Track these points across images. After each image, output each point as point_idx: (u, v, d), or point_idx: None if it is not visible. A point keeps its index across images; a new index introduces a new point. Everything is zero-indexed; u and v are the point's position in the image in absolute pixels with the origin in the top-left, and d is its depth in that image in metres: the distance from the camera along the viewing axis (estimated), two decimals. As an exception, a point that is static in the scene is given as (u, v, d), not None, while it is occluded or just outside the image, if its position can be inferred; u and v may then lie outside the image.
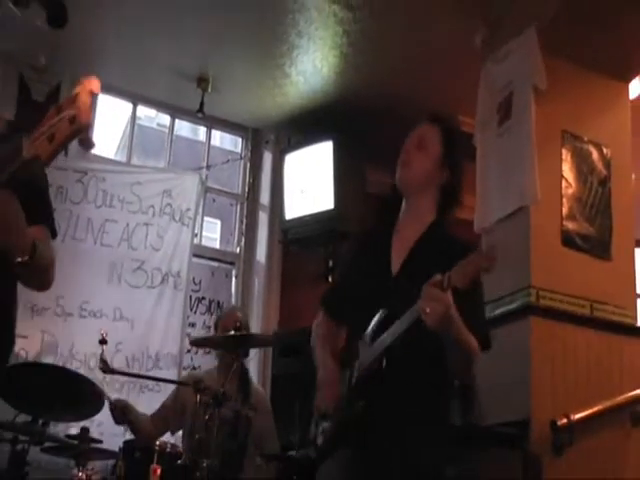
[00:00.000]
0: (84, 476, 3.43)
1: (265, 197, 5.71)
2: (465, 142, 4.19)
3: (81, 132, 1.53)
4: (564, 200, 3.81)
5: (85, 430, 3.60)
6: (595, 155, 3.93)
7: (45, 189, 2.19)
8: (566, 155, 3.87)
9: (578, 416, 3.39)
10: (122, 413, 3.70)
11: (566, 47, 3.83)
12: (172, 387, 4.13)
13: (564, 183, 3.83)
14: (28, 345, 4.38)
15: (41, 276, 2.08)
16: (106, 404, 3.72)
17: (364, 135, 4.89)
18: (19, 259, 1.88)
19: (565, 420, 3.36)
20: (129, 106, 5.62)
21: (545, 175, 3.72)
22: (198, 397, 3.44)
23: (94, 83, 1.57)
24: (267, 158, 5.76)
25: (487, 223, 3.95)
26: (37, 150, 1.58)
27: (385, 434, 2.28)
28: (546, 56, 3.76)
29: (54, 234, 2.16)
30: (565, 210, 3.79)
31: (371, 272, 2.48)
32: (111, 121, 5.83)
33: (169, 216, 4.95)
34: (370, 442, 2.30)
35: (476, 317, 2.20)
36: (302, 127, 5.42)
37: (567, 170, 3.85)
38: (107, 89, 5.26)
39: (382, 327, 2.22)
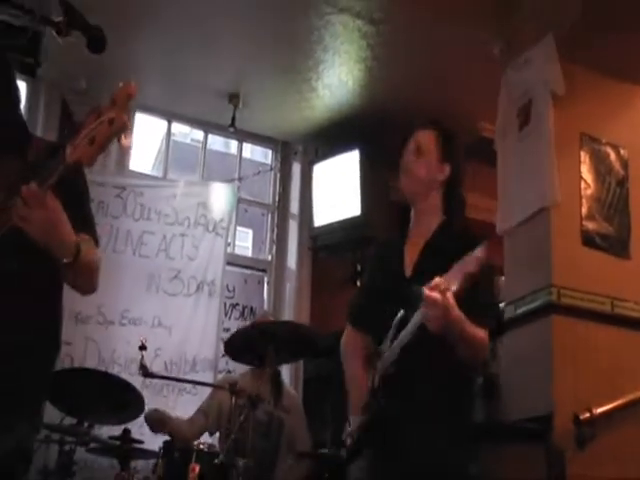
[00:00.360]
0: (126, 475, 3.57)
1: (295, 206, 5.78)
2: (486, 148, 4.30)
3: (120, 133, 1.63)
4: (583, 201, 3.80)
5: (127, 431, 3.70)
6: (612, 156, 3.93)
7: (87, 198, 2.23)
8: (584, 157, 3.87)
9: (600, 410, 3.37)
10: (157, 424, 3.76)
11: (582, 53, 3.84)
12: (208, 389, 4.19)
13: (583, 184, 3.83)
14: (73, 351, 4.45)
15: (86, 278, 2.11)
16: (147, 406, 3.80)
17: (388, 144, 4.82)
18: (64, 260, 1.92)
19: (588, 414, 3.35)
20: (164, 123, 5.76)
21: (564, 177, 3.74)
22: (233, 399, 3.52)
23: (131, 87, 1.65)
24: (296, 169, 5.84)
25: (509, 225, 3.96)
26: (79, 153, 1.66)
27: (406, 433, 2.30)
28: (563, 62, 3.78)
29: (97, 243, 2.18)
30: (584, 210, 3.79)
31: (388, 279, 2.53)
32: (148, 138, 5.95)
33: (204, 227, 5.02)
34: (391, 441, 2.32)
35: (481, 308, 2.22)
36: (329, 138, 5.48)
37: (586, 171, 3.85)
38: (143, 108, 5.42)
39: (401, 328, 2.26)
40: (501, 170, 4.14)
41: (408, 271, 2.45)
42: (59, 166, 1.75)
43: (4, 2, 1.94)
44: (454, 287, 2.00)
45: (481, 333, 2.21)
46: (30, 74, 4.67)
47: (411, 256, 2.48)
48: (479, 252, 1.98)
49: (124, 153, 5.20)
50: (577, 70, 3.87)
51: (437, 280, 2.02)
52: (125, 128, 1.64)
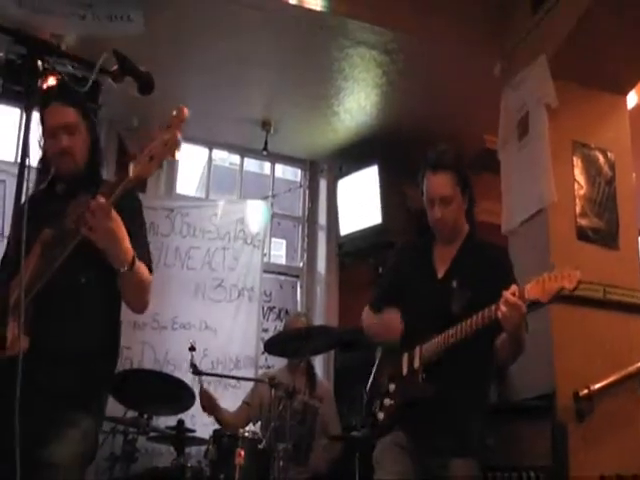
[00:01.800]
0: (182, 460, 3.69)
1: (322, 218, 5.89)
2: (491, 158, 4.39)
3: (173, 150, 1.82)
4: (577, 200, 3.87)
5: (181, 422, 3.85)
6: (601, 159, 4.00)
7: (145, 230, 2.36)
8: (577, 161, 3.94)
9: (597, 386, 3.43)
10: (207, 400, 3.93)
11: (572, 70, 3.94)
12: (250, 384, 4.33)
13: (576, 185, 3.90)
14: (132, 354, 4.59)
15: (138, 295, 2.25)
16: (197, 399, 3.92)
17: (404, 158, 4.79)
18: (121, 269, 2.07)
19: (586, 391, 3.42)
20: (206, 151, 5.93)
21: (560, 180, 3.82)
22: (273, 392, 3.65)
23: (183, 112, 1.84)
24: (323, 185, 5.97)
25: (512, 226, 4.07)
26: (141, 169, 1.86)
27: (441, 410, 2.38)
28: (555, 78, 3.89)
29: (150, 270, 2.27)
30: (578, 209, 3.86)
31: (416, 277, 2.60)
32: (191, 165, 6.15)
33: (242, 240, 5.12)
34: (426, 417, 2.40)
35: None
36: (351, 156, 5.56)
37: (578, 174, 3.92)
38: (187, 139, 5.45)
39: (442, 321, 2.38)
40: (504, 176, 4.24)
41: (440, 273, 2.54)
42: (124, 180, 1.92)
43: (70, 57, 2.10)
44: (539, 298, 2.09)
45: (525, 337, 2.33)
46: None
47: (441, 259, 2.57)
48: (579, 273, 2.06)
49: (172, 169, 5.34)
50: (567, 85, 3.96)
51: (515, 287, 2.15)
52: (178, 145, 1.83)
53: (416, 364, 2.43)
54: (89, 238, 2.01)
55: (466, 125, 4.90)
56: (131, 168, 1.88)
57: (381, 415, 2.54)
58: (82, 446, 2.16)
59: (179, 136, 1.82)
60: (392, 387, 2.54)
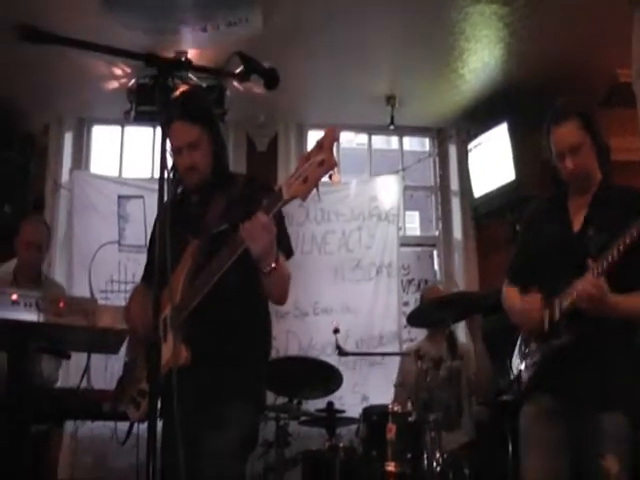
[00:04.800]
0: (334, 441, 3.58)
1: (454, 184, 5.62)
2: (625, 91, 4.00)
3: (329, 171, 1.75)
4: None
5: (330, 404, 3.80)
6: None
7: (284, 218, 2.35)
8: None
9: None
10: None
11: None
12: (396, 359, 4.23)
13: None
14: (277, 344, 4.55)
15: (280, 289, 2.25)
16: (345, 380, 3.88)
17: (534, 108, 4.58)
18: (268, 267, 2.06)
19: None
20: None
21: None
22: (419, 363, 3.52)
23: (335, 132, 1.77)
24: (452, 151, 5.68)
25: None
26: (294, 191, 1.82)
27: (584, 368, 2.25)
28: None
29: (290, 254, 2.32)
30: None
31: (552, 232, 2.45)
32: None
33: (376, 217, 4.99)
34: (569, 379, 2.27)
35: None
36: (478, 117, 5.27)
37: None
38: (314, 126, 5.52)
39: (581, 273, 2.23)
40: (642, 110, 3.78)
41: (576, 224, 2.40)
42: (279, 202, 1.90)
43: (197, 69, 2.08)
44: None
45: None
46: (221, 121, 4.97)
47: (576, 211, 2.43)
48: None
49: (333, 183, 5.29)
50: None
51: (590, 277, 2.12)
52: (334, 167, 1.75)
53: (556, 316, 2.31)
54: (247, 246, 2.03)
55: (596, 63, 4.49)
56: (284, 189, 1.86)
57: (525, 375, 2.43)
58: (244, 435, 2.22)
59: (334, 157, 1.76)
60: (534, 346, 2.43)
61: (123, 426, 2.49)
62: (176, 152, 2.30)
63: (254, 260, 2.06)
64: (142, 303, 2.24)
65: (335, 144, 1.77)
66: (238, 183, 2.29)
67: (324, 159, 1.73)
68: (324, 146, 1.77)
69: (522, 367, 2.44)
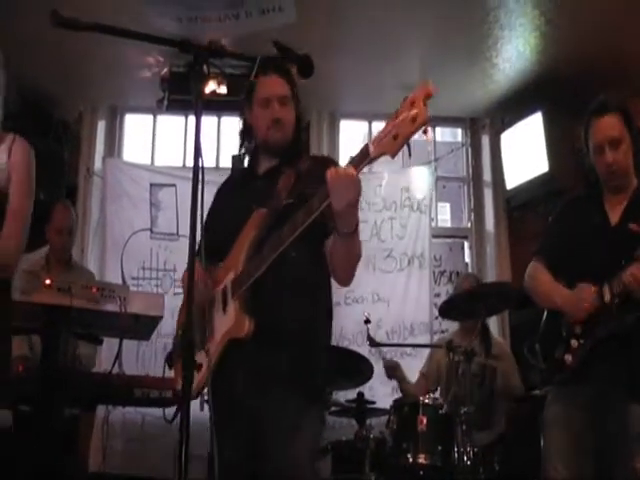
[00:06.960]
0: (364, 431, 3.53)
1: (487, 174, 5.52)
2: None
3: (422, 126, 1.59)
4: None
5: (361, 394, 3.74)
6: None
7: None
8: None
9: None
10: (393, 370, 3.86)
11: None
12: (426, 350, 4.16)
13: None
14: None
15: (351, 261, 2.06)
16: (375, 371, 3.81)
17: (570, 98, 4.44)
18: (348, 228, 1.89)
19: None
20: (365, 124, 5.73)
21: None
22: (451, 355, 3.46)
23: (429, 87, 1.59)
24: (485, 141, 5.57)
25: None
26: (383, 147, 1.66)
27: (622, 362, 2.23)
28: None
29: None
30: None
31: (588, 226, 2.44)
32: (350, 139, 5.98)
33: (409, 207, 4.93)
34: (610, 366, 2.25)
35: None
36: (512, 106, 5.18)
37: None
38: (346, 115, 5.48)
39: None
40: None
41: (614, 220, 2.40)
42: (366, 158, 1.74)
43: (233, 55, 1.96)
44: None
45: None
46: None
47: (613, 206, 2.43)
48: None
49: (427, 139, 5.23)
50: None
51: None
52: (428, 122, 1.59)
53: (606, 297, 2.28)
54: (330, 200, 1.83)
55: (632, 52, 4.37)
56: (372, 146, 1.69)
57: (569, 357, 2.36)
58: (316, 436, 2.14)
59: (427, 113, 1.58)
60: (578, 328, 2.36)
61: (155, 412, 2.44)
62: (262, 104, 2.20)
63: (334, 218, 1.88)
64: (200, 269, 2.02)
65: (429, 99, 1.59)
66: (306, 159, 2.21)
67: (417, 113, 1.57)
68: (416, 101, 1.60)
69: (564, 349, 2.39)
